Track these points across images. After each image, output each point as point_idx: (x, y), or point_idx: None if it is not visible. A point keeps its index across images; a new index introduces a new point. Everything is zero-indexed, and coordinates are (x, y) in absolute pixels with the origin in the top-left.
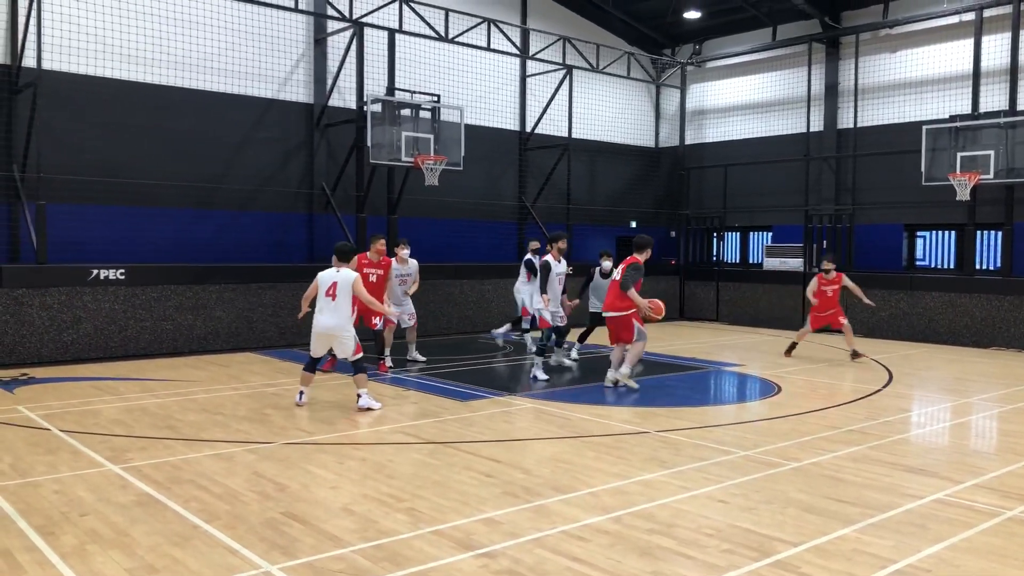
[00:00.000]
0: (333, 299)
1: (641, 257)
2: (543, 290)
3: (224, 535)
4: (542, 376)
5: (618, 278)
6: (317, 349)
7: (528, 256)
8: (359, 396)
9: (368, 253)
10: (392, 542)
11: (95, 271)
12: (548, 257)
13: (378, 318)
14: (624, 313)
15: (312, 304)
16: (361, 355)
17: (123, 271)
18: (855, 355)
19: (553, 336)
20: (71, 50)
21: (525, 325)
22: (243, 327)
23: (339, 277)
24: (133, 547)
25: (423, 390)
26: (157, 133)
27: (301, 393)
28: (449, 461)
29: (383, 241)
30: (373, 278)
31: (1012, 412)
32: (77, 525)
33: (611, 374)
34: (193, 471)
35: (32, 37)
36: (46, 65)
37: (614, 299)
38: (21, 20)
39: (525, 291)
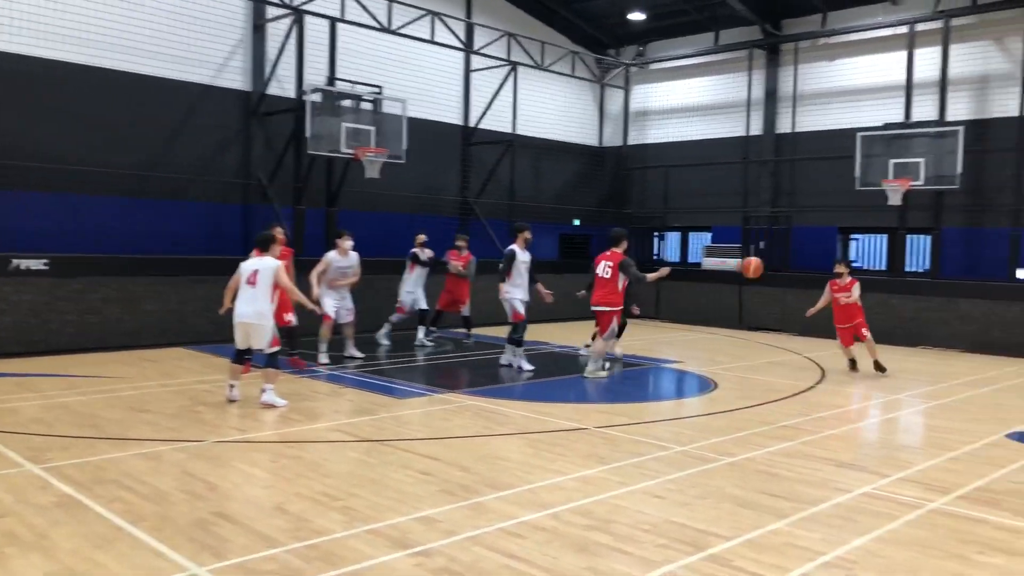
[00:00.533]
0: (253, 287)
1: (620, 250)
2: (503, 279)
3: (150, 537)
4: (527, 366)
5: (609, 275)
6: (239, 339)
7: (413, 249)
8: (264, 391)
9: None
10: (326, 541)
11: (15, 261)
12: (514, 246)
13: (290, 313)
14: (614, 308)
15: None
16: (277, 349)
17: (46, 261)
18: (878, 366)
19: (523, 330)
20: None
21: (394, 318)
22: (174, 321)
23: (260, 265)
24: (53, 550)
25: (360, 387)
26: (85, 117)
27: (231, 386)
28: (386, 459)
29: (279, 229)
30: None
31: (937, 408)
32: None
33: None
34: (118, 471)
35: None
36: None
37: (606, 294)
38: None
39: (408, 283)
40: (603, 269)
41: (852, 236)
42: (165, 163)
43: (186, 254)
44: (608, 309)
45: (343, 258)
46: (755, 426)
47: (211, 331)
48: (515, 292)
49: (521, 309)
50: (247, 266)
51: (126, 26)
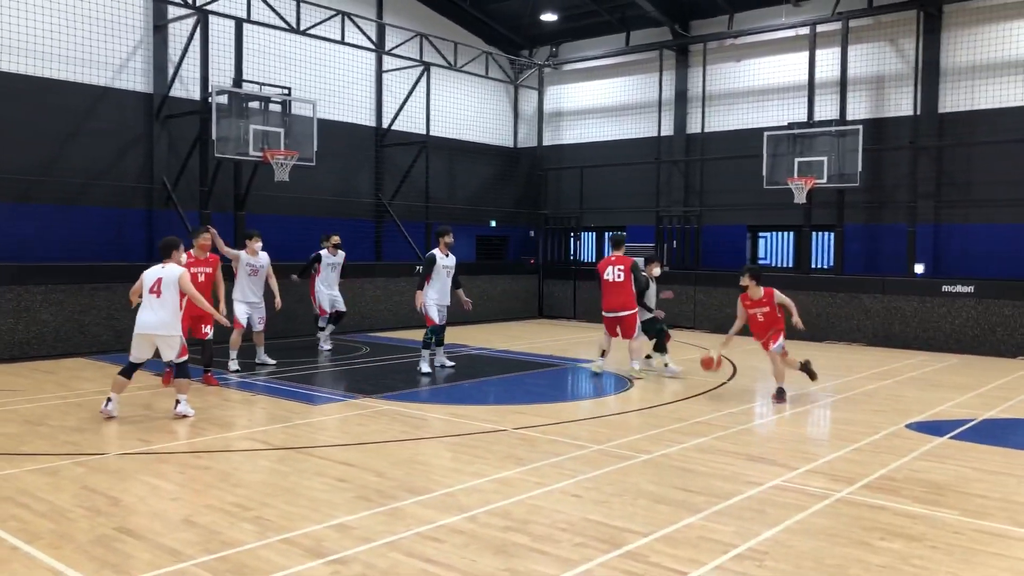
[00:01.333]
0: (158, 296)
1: (623, 253)
2: (422, 285)
3: (47, 555)
4: (426, 369)
5: (622, 279)
6: (139, 352)
7: (320, 250)
8: (177, 402)
9: (192, 249)
10: (237, 553)
11: None
12: (435, 251)
13: (208, 326)
14: (633, 311)
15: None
16: (185, 358)
17: None
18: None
19: (434, 335)
20: None
21: (321, 323)
22: (73, 330)
23: (164, 273)
24: None
25: (272, 394)
26: None
27: (108, 400)
28: (300, 467)
29: (207, 236)
30: (201, 277)
31: (842, 401)
32: None
33: (636, 365)
34: (12, 488)
35: None
36: None
37: (624, 298)
38: None
39: (322, 284)
40: (615, 274)
41: (760, 234)
42: (61, 167)
43: (86, 261)
44: (629, 313)
45: (252, 256)
46: (670, 423)
47: (112, 340)
48: (431, 297)
49: (434, 314)
50: (150, 274)
51: (18, 27)
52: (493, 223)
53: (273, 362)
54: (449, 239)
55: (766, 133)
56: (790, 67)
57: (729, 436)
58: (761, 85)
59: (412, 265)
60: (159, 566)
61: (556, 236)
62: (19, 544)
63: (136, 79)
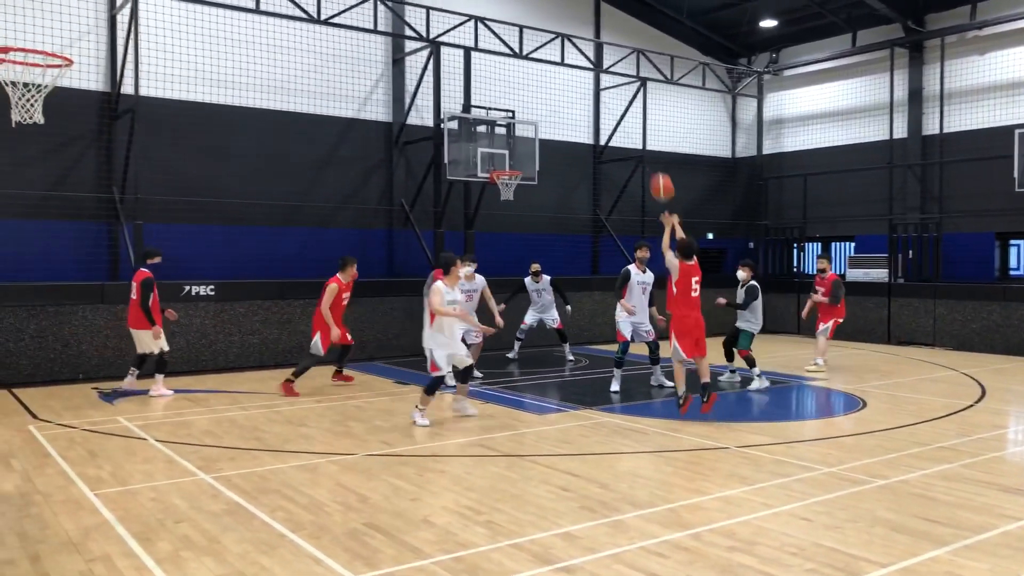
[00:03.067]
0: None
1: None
2: (618, 298)
3: (309, 544)
4: (615, 388)
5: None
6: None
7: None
8: (458, 405)
9: (340, 275)
10: (471, 554)
11: (187, 287)
12: (631, 266)
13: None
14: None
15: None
16: (437, 374)
17: (213, 287)
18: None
19: (624, 353)
20: (165, 76)
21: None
22: None
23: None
24: (224, 554)
25: (499, 403)
26: (244, 154)
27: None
28: (526, 474)
29: (355, 264)
30: (345, 300)
31: None
32: (172, 532)
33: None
34: (279, 481)
35: (130, 65)
36: (143, 91)
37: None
38: (120, 49)
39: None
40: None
41: (1011, 241)
42: (315, 193)
43: None
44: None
45: (468, 281)
46: (908, 447)
47: (358, 350)
48: (622, 313)
49: (626, 331)
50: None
51: (281, 70)
52: (711, 235)
53: (480, 375)
54: (643, 253)
55: (1018, 131)
56: None
57: (978, 464)
58: (1010, 79)
59: None
60: (402, 562)
61: (777, 247)
62: (286, 532)
63: (378, 110)
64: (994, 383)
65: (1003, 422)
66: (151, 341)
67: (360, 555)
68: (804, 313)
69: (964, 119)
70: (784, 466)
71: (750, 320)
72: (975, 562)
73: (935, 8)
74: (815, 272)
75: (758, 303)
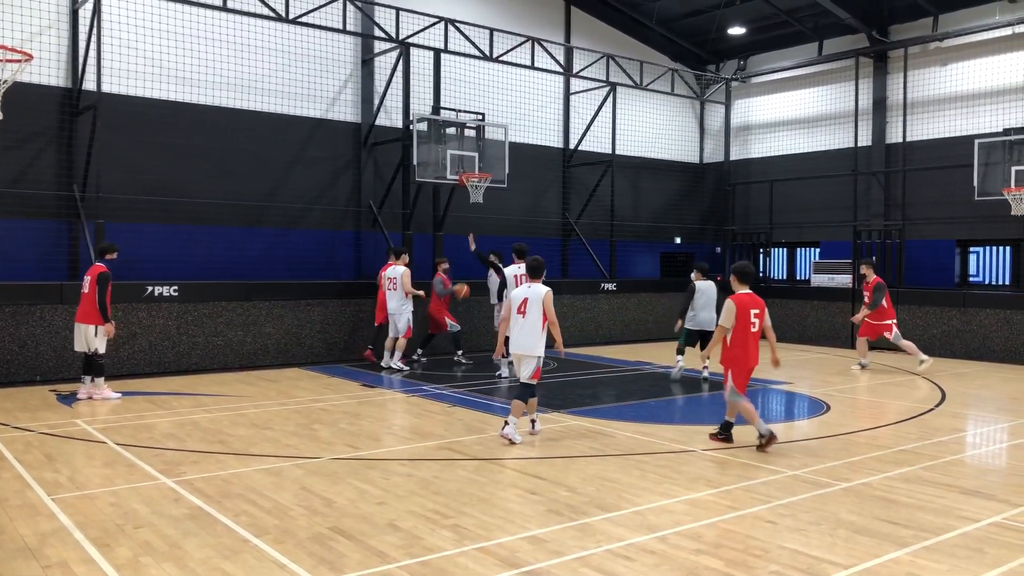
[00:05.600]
0: (523, 316)
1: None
2: (683, 313)
3: (273, 549)
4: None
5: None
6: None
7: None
8: (505, 423)
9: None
10: (438, 559)
11: (150, 288)
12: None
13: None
14: None
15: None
16: (536, 381)
17: (176, 288)
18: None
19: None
20: (129, 73)
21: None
22: (292, 343)
23: (530, 293)
24: (185, 560)
25: (467, 406)
26: (210, 153)
27: (506, 424)
28: (494, 478)
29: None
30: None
31: None
32: (132, 537)
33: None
34: (243, 485)
35: (92, 61)
36: (105, 88)
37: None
38: (82, 45)
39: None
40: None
41: (971, 249)
42: (282, 193)
43: (302, 279)
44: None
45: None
46: (871, 450)
47: (325, 352)
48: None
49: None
50: (518, 294)
51: (248, 69)
52: (678, 240)
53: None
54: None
55: (977, 141)
56: (1005, 69)
57: (938, 467)
58: (970, 90)
59: (597, 282)
60: (368, 566)
61: (744, 252)
62: (249, 537)
63: (347, 110)
64: (954, 387)
65: (962, 425)
66: (93, 338)
67: (325, 560)
68: (858, 318)
69: (926, 128)
70: (750, 469)
71: (690, 319)
72: (935, 563)
73: (899, 19)
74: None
75: (698, 303)
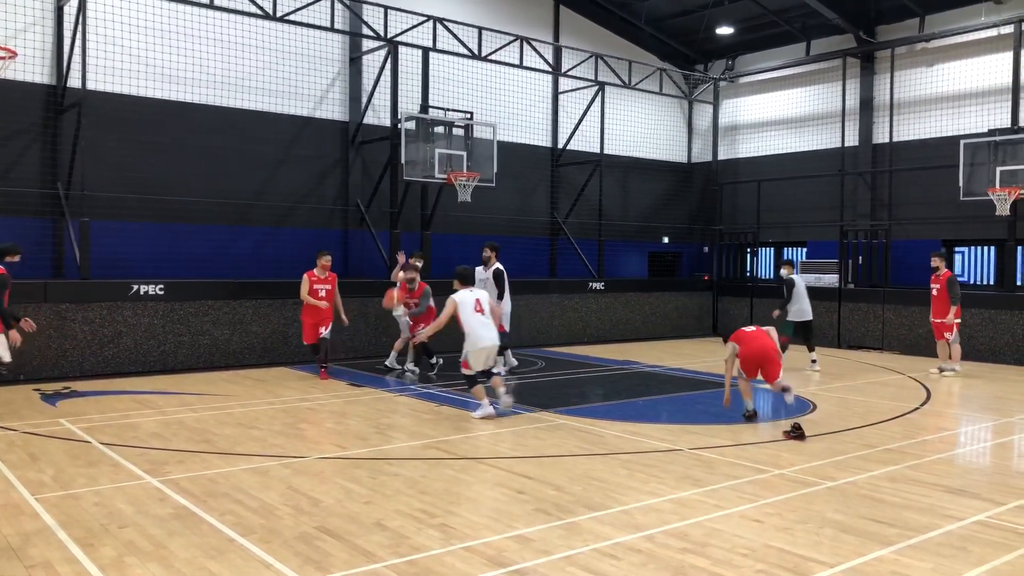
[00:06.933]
0: (483, 313)
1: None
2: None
3: (259, 549)
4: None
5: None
6: (480, 364)
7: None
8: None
9: (315, 270)
10: (424, 558)
11: (135, 286)
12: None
13: (325, 328)
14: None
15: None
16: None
17: (162, 287)
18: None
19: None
20: (114, 71)
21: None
22: (278, 342)
23: (479, 295)
24: (170, 560)
25: (455, 405)
26: (197, 151)
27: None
28: (481, 477)
29: (328, 257)
30: (322, 292)
31: None
32: (116, 537)
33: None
34: (229, 485)
35: (77, 58)
36: (90, 85)
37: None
38: (67, 42)
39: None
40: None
41: (956, 249)
42: (270, 192)
43: (289, 278)
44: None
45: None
46: (856, 449)
47: (311, 351)
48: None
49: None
50: (466, 297)
51: (235, 67)
52: (666, 239)
53: (398, 367)
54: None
55: (963, 141)
56: (990, 70)
57: (923, 465)
58: (956, 90)
59: (585, 282)
60: (355, 566)
61: (731, 252)
62: (235, 536)
63: (334, 109)
64: (939, 387)
65: (947, 425)
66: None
67: (311, 559)
68: (949, 318)
69: (913, 128)
70: (736, 468)
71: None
72: (920, 561)
73: (886, 20)
74: (931, 271)
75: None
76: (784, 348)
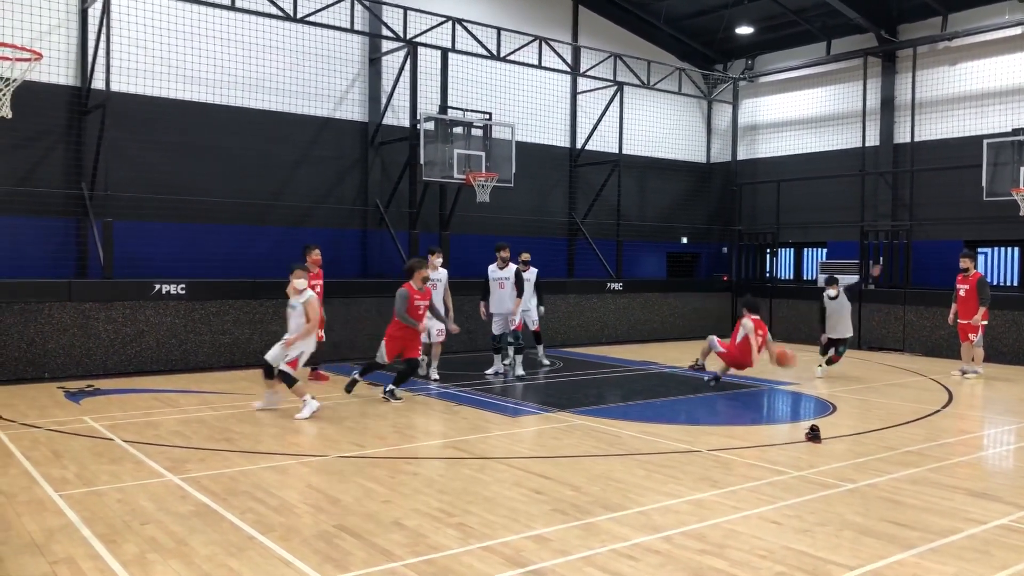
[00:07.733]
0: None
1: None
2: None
3: (278, 547)
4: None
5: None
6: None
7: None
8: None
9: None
10: (442, 557)
11: (158, 286)
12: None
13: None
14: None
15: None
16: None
17: (184, 286)
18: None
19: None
20: (138, 72)
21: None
22: None
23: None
24: (191, 556)
25: (473, 405)
26: (218, 152)
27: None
28: (499, 477)
29: (317, 251)
30: (318, 289)
31: None
32: (138, 534)
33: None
34: (249, 483)
35: (101, 60)
36: (114, 87)
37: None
38: (91, 44)
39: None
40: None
41: (979, 249)
42: (289, 192)
43: None
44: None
45: (432, 272)
46: (877, 451)
47: (330, 351)
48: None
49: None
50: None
51: (256, 67)
52: (684, 240)
53: (436, 378)
54: (502, 252)
55: (986, 141)
56: (1014, 68)
57: (945, 468)
58: (979, 89)
59: (603, 282)
60: (373, 564)
61: (751, 252)
62: (255, 534)
63: (354, 109)
64: (960, 389)
65: (969, 427)
66: None
67: (330, 557)
68: (950, 319)
69: (935, 128)
70: (755, 470)
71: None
72: (941, 565)
73: (908, 19)
74: (959, 271)
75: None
76: (831, 363)
